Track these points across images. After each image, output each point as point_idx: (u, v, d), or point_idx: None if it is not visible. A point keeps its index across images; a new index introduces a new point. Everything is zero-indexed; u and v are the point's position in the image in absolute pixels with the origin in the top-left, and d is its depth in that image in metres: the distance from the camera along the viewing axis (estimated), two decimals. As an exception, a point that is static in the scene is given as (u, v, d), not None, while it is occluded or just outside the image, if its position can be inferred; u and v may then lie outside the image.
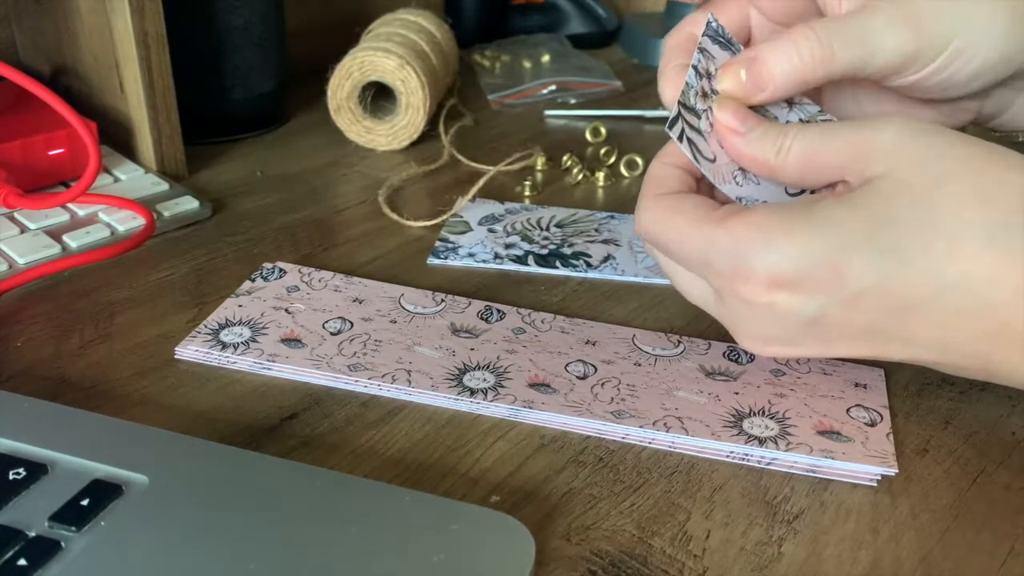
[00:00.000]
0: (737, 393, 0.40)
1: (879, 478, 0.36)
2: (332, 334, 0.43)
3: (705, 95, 0.38)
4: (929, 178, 0.33)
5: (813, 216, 0.33)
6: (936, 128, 0.34)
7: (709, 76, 0.39)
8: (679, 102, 0.38)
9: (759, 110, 0.38)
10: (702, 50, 0.39)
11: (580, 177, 0.61)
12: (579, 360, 0.42)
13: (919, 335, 0.34)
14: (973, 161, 0.33)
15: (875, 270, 0.33)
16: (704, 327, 0.45)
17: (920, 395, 0.41)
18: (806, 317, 0.34)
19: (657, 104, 0.74)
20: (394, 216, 0.55)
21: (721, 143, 0.38)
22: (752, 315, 0.35)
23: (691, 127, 0.38)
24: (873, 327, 0.34)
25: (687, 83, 0.38)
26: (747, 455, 0.37)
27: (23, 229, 0.51)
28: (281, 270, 0.49)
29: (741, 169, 0.38)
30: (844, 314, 0.34)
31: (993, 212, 0.32)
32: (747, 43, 0.43)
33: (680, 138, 0.38)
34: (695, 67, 0.38)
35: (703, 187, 0.40)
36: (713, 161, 0.38)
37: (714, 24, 0.39)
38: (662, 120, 0.71)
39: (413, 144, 0.65)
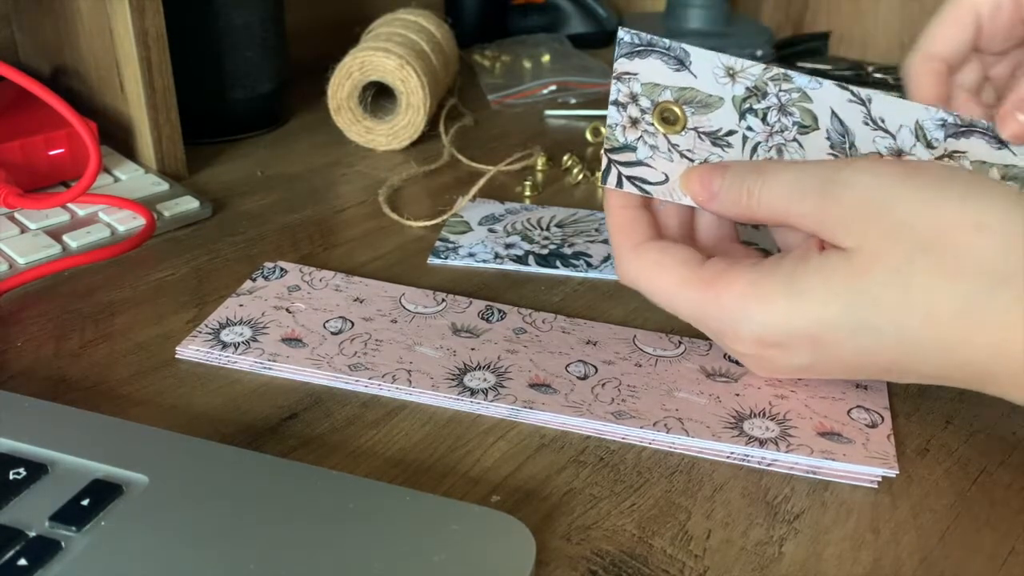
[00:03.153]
0: (738, 394, 0.40)
1: (879, 479, 0.36)
2: (333, 334, 0.43)
3: (635, 121, 0.39)
4: (901, 251, 0.33)
5: (794, 287, 0.35)
6: (896, 189, 0.34)
7: (635, 98, 0.39)
8: (604, 151, 0.39)
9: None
10: (618, 77, 0.39)
11: (580, 177, 0.61)
12: (580, 360, 0.42)
13: (911, 372, 0.36)
14: (942, 232, 0.33)
15: (853, 342, 0.35)
16: (704, 327, 0.45)
17: (921, 395, 0.41)
18: (796, 365, 0.38)
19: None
20: (394, 216, 0.55)
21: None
22: (746, 358, 0.39)
23: (627, 164, 0.39)
24: (863, 370, 0.37)
25: (609, 126, 0.39)
26: (747, 456, 0.37)
27: (23, 229, 0.51)
28: (282, 269, 0.49)
29: None
30: (832, 365, 0.37)
31: (964, 283, 0.33)
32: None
33: (620, 184, 0.39)
34: (614, 102, 0.39)
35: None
36: (666, 181, 0.39)
37: (627, 38, 0.39)
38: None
39: (413, 144, 0.65)
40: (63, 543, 0.30)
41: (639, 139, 0.39)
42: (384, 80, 0.63)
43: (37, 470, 0.32)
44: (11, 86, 0.53)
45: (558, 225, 0.55)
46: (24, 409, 0.36)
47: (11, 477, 0.32)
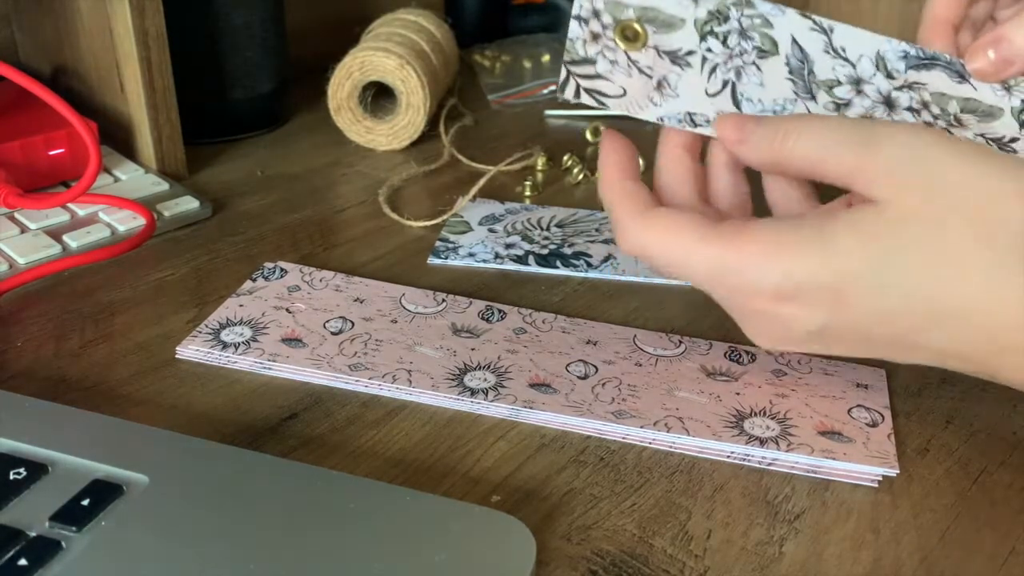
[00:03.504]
0: (738, 393, 0.40)
1: (880, 479, 0.36)
2: (333, 334, 0.43)
3: (596, 36, 0.39)
4: (936, 209, 0.33)
5: (822, 237, 0.34)
6: (935, 149, 0.34)
7: (597, 14, 0.38)
8: (564, 63, 0.39)
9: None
10: None
11: (580, 177, 0.61)
12: (580, 360, 0.42)
13: (920, 347, 0.35)
14: (980, 196, 0.33)
15: (877, 301, 0.34)
16: (705, 327, 0.45)
17: (921, 395, 0.41)
18: (809, 328, 0.35)
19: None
20: (394, 216, 0.55)
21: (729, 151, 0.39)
22: (758, 320, 0.36)
23: (586, 77, 0.39)
24: (874, 340, 0.35)
25: (570, 39, 0.39)
26: (748, 455, 0.37)
27: (23, 229, 0.51)
28: (282, 270, 0.49)
29: (657, 87, 0.39)
30: (846, 329, 0.35)
31: (995, 251, 0.32)
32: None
33: (577, 94, 0.39)
34: (577, 17, 0.39)
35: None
36: (623, 95, 0.39)
37: None
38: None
39: (413, 144, 0.65)
40: (63, 543, 0.30)
41: (599, 53, 0.39)
42: (384, 80, 0.63)
43: (37, 470, 0.32)
44: (11, 86, 0.52)
45: (558, 225, 0.55)
46: (24, 409, 0.36)
47: (11, 477, 0.32)
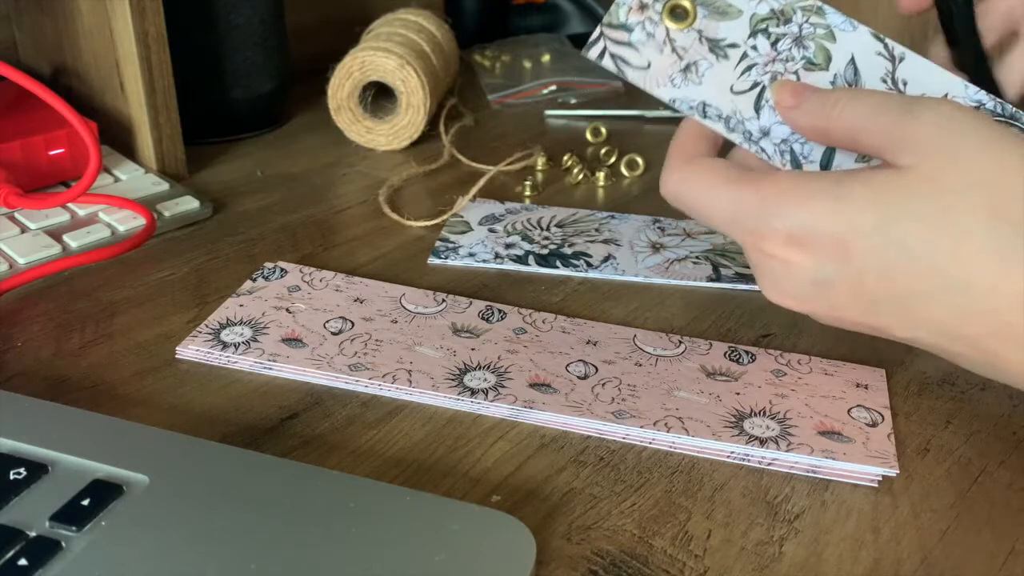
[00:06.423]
0: (738, 393, 0.40)
1: (880, 479, 0.36)
2: (333, 334, 0.43)
3: (644, 7, 0.39)
4: (956, 179, 0.33)
5: (838, 190, 0.35)
6: (976, 124, 0.34)
7: None
8: (601, 25, 0.39)
9: None
10: None
11: (580, 177, 0.61)
12: (580, 360, 0.42)
13: (922, 320, 0.35)
14: (1004, 172, 0.33)
15: (880, 257, 0.34)
16: (705, 327, 0.45)
17: (921, 395, 0.41)
18: (816, 279, 0.36)
19: (657, 104, 0.74)
20: (395, 216, 0.55)
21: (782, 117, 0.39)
22: (771, 267, 0.37)
23: (617, 43, 0.39)
24: (877, 304, 0.35)
25: (617, 3, 0.39)
26: (748, 455, 0.37)
27: (23, 229, 0.51)
28: (282, 270, 0.49)
29: (684, 70, 0.39)
30: (850, 286, 0.35)
31: (1007, 226, 0.32)
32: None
33: (601, 56, 0.39)
34: None
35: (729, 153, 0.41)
36: (647, 68, 0.39)
37: None
38: (662, 120, 0.71)
39: (413, 144, 0.65)
40: (63, 543, 0.30)
41: (640, 23, 0.39)
42: (384, 80, 0.63)
43: (37, 470, 0.32)
44: (11, 86, 0.53)
45: (558, 225, 0.55)
46: (24, 409, 0.36)
47: (11, 477, 0.32)
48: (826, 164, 0.39)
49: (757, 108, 0.39)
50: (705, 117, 0.39)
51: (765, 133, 0.39)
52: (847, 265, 0.35)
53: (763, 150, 0.39)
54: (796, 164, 0.39)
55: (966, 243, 0.33)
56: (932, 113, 0.34)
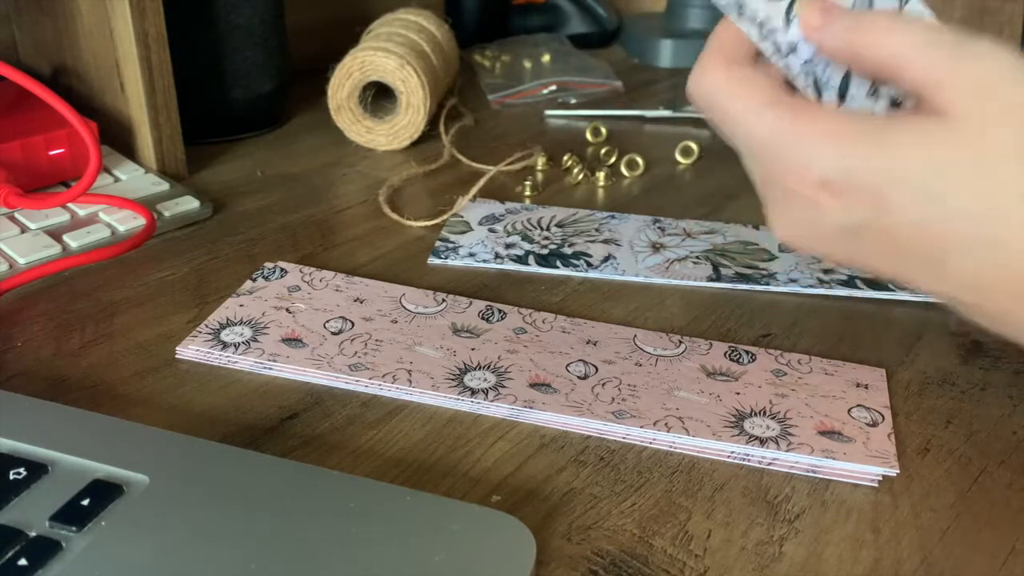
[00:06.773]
0: (738, 393, 0.40)
1: (880, 479, 0.36)
2: (333, 334, 0.43)
3: None
4: (1008, 135, 0.32)
5: (886, 138, 0.33)
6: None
7: None
8: None
9: None
10: None
11: (580, 177, 0.61)
12: (580, 360, 0.42)
13: (952, 272, 0.34)
14: None
15: (919, 211, 0.33)
16: (705, 327, 0.45)
17: (921, 395, 0.41)
18: (844, 225, 0.34)
19: (657, 104, 0.74)
20: (395, 216, 0.55)
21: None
22: (792, 206, 0.35)
23: None
24: (905, 255, 0.34)
25: None
26: (748, 455, 0.37)
27: (23, 229, 0.51)
28: (282, 270, 0.49)
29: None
30: (881, 236, 0.34)
31: None
32: None
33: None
34: None
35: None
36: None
37: None
38: (662, 120, 0.71)
39: (413, 144, 0.65)
40: (63, 543, 0.30)
41: None
42: (384, 80, 0.63)
43: (37, 470, 0.32)
44: (11, 86, 0.53)
45: (558, 225, 0.55)
46: (24, 409, 0.36)
47: (11, 477, 0.32)
48: (843, 93, 0.37)
49: (788, 19, 0.37)
50: (741, 16, 0.37)
51: (792, 49, 0.37)
52: (883, 215, 0.33)
53: (789, 67, 0.37)
54: (817, 89, 0.37)
55: (1009, 203, 0.31)
56: (987, 60, 0.32)
